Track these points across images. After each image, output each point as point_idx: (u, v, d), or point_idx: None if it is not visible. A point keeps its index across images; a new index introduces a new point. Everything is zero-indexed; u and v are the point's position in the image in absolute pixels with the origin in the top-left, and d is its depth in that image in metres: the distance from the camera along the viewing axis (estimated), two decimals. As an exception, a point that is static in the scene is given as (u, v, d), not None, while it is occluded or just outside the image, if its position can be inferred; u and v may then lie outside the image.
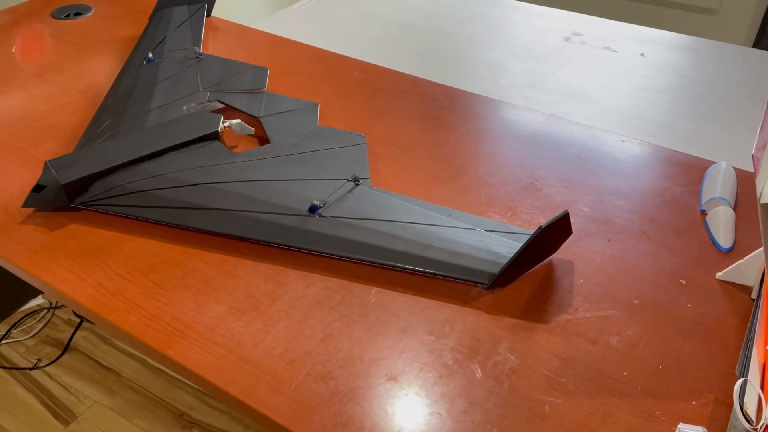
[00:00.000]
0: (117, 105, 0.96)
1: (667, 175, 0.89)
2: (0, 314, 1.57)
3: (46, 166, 0.81)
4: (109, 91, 1.02)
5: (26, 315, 1.58)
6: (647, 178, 0.88)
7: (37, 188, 0.80)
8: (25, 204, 0.80)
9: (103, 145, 0.85)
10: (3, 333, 1.53)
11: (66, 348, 1.50)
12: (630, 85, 1.14)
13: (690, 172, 0.89)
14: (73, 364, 1.47)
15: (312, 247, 0.74)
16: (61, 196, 0.79)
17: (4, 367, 1.46)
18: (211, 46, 1.21)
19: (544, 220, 0.81)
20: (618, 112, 1.07)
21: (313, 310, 0.70)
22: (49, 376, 1.44)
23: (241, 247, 0.77)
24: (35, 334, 1.54)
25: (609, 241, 0.78)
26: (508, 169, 0.90)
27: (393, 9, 1.44)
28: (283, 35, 1.27)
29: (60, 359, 1.48)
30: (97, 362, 1.47)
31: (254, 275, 0.74)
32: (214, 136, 0.89)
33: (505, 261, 0.70)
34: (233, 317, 0.69)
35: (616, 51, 1.25)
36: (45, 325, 1.56)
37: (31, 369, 1.46)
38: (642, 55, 1.23)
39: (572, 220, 0.81)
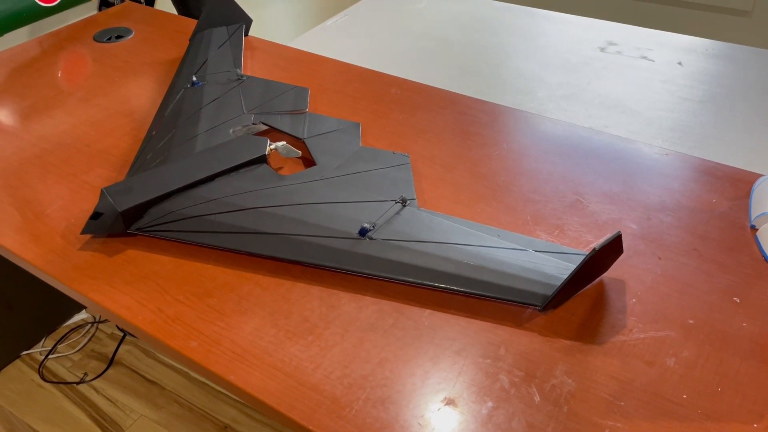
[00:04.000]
0: (165, 130, 0.99)
1: (714, 189, 0.89)
2: (45, 329, 1.61)
3: (103, 193, 0.83)
4: (156, 115, 1.05)
5: (71, 330, 1.62)
6: (693, 192, 0.88)
7: (95, 215, 0.82)
8: (84, 231, 0.83)
9: (155, 171, 0.87)
10: (50, 348, 1.57)
11: (111, 362, 1.53)
12: (669, 95, 1.14)
13: (736, 185, 0.89)
14: (118, 378, 1.50)
15: (364, 270, 0.75)
16: (119, 223, 0.82)
17: (52, 382, 1.50)
18: (249, 66, 1.23)
19: (592, 238, 0.81)
20: (659, 124, 1.07)
21: (368, 333, 0.71)
22: (96, 390, 1.48)
23: (293, 270, 0.79)
24: (80, 349, 1.58)
25: (659, 258, 0.78)
26: (552, 185, 0.91)
27: (426, 23, 1.45)
28: (318, 53, 1.28)
29: (105, 373, 1.51)
30: (141, 376, 1.50)
31: (308, 298, 0.75)
32: (262, 159, 0.91)
33: (557, 282, 0.71)
34: (290, 341, 0.70)
35: (653, 60, 1.24)
36: (89, 339, 1.60)
37: (78, 383, 1.49)
38: (680, 63, 1.23)
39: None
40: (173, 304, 0.75)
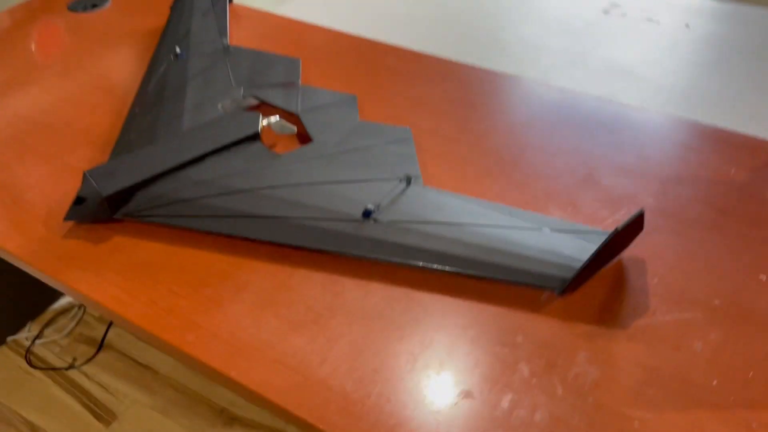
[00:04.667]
0: (149, 106, 0.93)
1: (732, 159, 0.85)
2: (31, 313, 1.56)
3: (85, 176, 0.78)
4: (139, 90, 0.98)
5: (58, 314, 1.56)
6: (711, 163, 0.84)
7: (78, 200, 0.77)
8: (67, 217, 0.77)
9: (141, 152, 0.82)
10: (36, 333, 1.52)
11: (101, 346, 1.49)
12: (678, 60, 1.09)
13: (756, 155, 0.85)
14: (109, 363, 1.46)
15: (369, 254, 0.71)
16: (104, 209, 0.76)
17: (40, 368, 1.45)
18: (235, 35, 1.16)
19: (607, 213, 0.77)
20: (669, 90, 1.03)
21: (376, 321, 0.67)
22: (86, 375, 1.43)
23: (293, 255, 0.74)
24: (68, 333, 1.53)
25: (679, 234, 0.74)
26: (563, 159, 0.86)
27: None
28: (308, 20, 1.22)
29: (95, 358, 1.47)
30: (133, 360, 1.46)
31: (310, 286, 0.71)
32: (255, 136, 0.85)
33: (576, 264, 0.67)
34: (294, 332, 0.66)
35: (658, 23, 1.19)
36: (77, 323, 1.55)
37: (67, 369, 1.45)
38: (687, 26, 1.18)
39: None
40: (166, 295, 0.71)
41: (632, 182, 0.82)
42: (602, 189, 0.81)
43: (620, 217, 0.76)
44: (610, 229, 0.74)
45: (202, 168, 0.81)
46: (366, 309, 0.68)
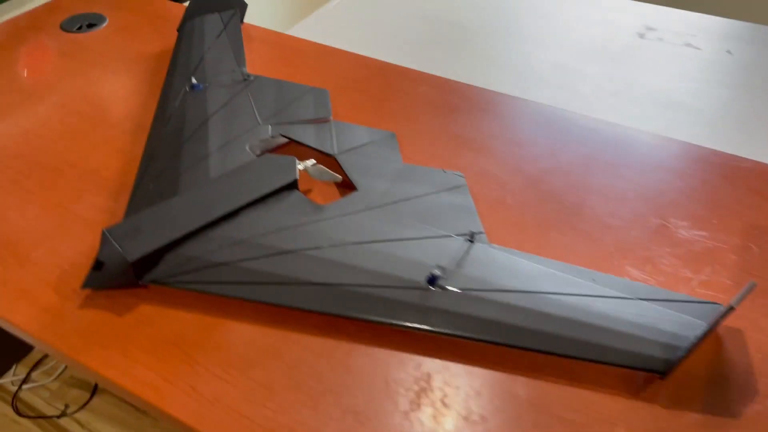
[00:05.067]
0: (167, 148, 0.83)
1: (811, 207, 0.78)
2: (16, 354, 1.44)
3: (105, 236, 0.68)
4: (152, 126, 0.88)
5: (46, 354, 1.44)
6: (789, 212, 0.78)
7: (98, 265, 0.67)
8: (85, 285, 0.67)
9: (166, 206, 0.72)
10: (23, 377, 1.40)
11: (94, 390, 1.38)
12: (726, 90, 1.03)
13: (836, 203, 0.79)
14: (104, 408, 1.35)
15: (439, 328, 0.62)
16: (128, 275, 0.67)
17: (29, 417, 1.33)
18: (249, 60, 1.06)
19: (690, 274, 0.70)
20: (723, 125, 0.96)
21: (457, 411, 0.58)
22: (80, 423, 1.32)
23: (347, 327, 0.65)
24: (58, 376, 1.41)
25: (775, 299, 0.67)
26: (630, 206, 0.79)
27: (438, 5, 1.30)
28: (322, 41, 1.13)
29: (89, 403, 1.36)
30: (131, 405, 1.35)
31: (372, 365, 0.62)
32: (293, 184, 0.76)
33: (679, 343, 0.59)
34: (363, 427, 0.57)
35: (699, 48, 1.13)
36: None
37: (59, 417, 1.33)
38: (729, 52, 1.12)
39: (724, 273, 0.70)
40: (208, 379, 0.61)
41: (711, 234, 0.75)
42: (679, 243, 0.74)
43: (707, 279, 0.69)
44: (698, 294, 0.67)
45: (237, 225, 0.71)
46: (444, 395, 0.60)
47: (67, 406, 1.35)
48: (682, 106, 0.99)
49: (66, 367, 1.42)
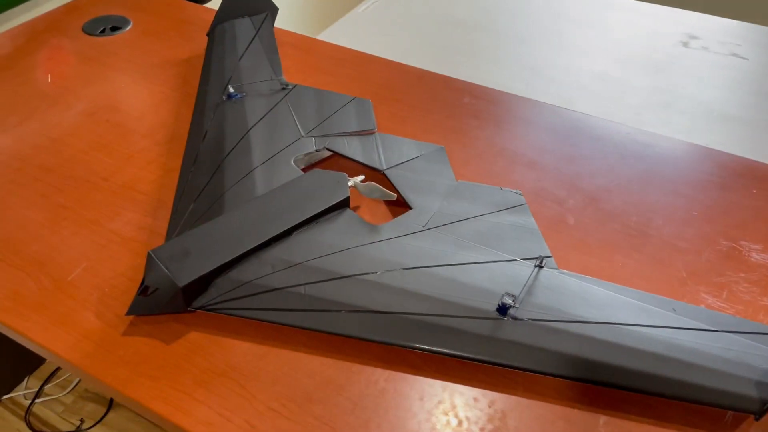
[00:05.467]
0: (207, 161, 0.78)
1: None
2: (27, 367, 1.39)
3: (152, 259, 0.63)
4: (189, 139, 0.84)
5: (58, 367, 1.40)
6: None
7: (144, 289, 0.62)
8: (130, 311, 0.63)
9: (214, 226, 0.68)
10: (35, 390, 1.35)
11: (111, 404, 1.33)
12: (779, 103, 1.00)
13: None
14: (120, 424, 1.30)
15: (513, 362, 0.59)
16: (178, 300, 0.62)
17: (42, 432, 1.29)
18: (283, 67, 1.02)
19: (769, 301, 0.66)
20: (781, 140, 0.93)
21: (533, 451, 0.54)
22: (96, 439, 1.28)
23: (411, 358, 0.62)
24: (72, 389, 1.36)
25: None
26: (697, 227, 0.75)
27: (472, 9, 1.26)
28: (353, 47, 1.08)
29: (105, 418, 1.31)
30: (148, 420, 1.31)
31: (441, 401, 0.58)
32: (345, 203, 0.72)
33: (772, 379, 0.55)
34: (438, 470, 0.53)
35: (745, 58, 1.09)
36: (82, 376, 1.38)
37: (74, 432, 1.29)
38: (777, 63, 1.08)
39: (804, 301, 0.67)
40: (267, 414, 0.57)
41: (786, 260, 0.71)
42: (754, 267, 0.70)
43: (787, 307, 0.66)
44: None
45: (289, 246, 0.67)
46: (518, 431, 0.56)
47: (82, 420, 1.30)
48: (734, 118, 0.95)
49: (80, 380, 1.37)
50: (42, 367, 1.40)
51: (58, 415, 1.32)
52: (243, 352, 0.62)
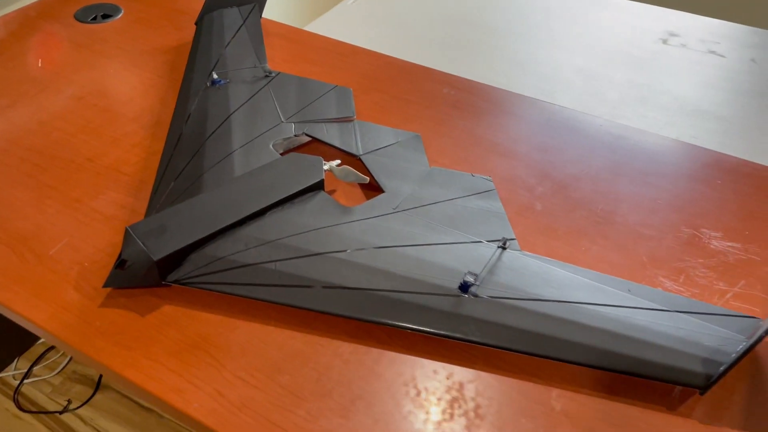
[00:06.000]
0: (189, 143, 0.81)
1: (844, 221, 0.77)
2: (17, 348, 1.41)
3: (129, 234, 0.66)
4: (173, 122, 0.86)
5: (48, 348, 1.42)
6: (822, 225, 0.77)
7: (121, 263, 0.65)
8: (107, 283, 0.66)
9: (191, 204, 0.70)
10: (24, 371, 1.38)
11: (98, 386, 1.35)
12: (752, 99, 1.02)
13: None
14: (107, 405, 1.33)
15: (471, 337, 0.61)
16: (153, 274, 0.65)
17: (31, 411, 1.31)
18: (268, 56, 1.04)
19: (724, 285, 0.69)
20: (751, 136, 0.95)
21: (491, 422, 0.57)
22: (83, 420, 1.30)
23: (377, 332, 0.64)
24: (60, 371, 1.39)
25: (812, 315, 0.66)
26: (662, 216, 0.78)
27: (461, 4, 1.29)
28: (341, 39, 1.11)
29: (92, 399, 1.33)
30: (134, 401, 1.33)
31: (402, 373, 0.61)
32: (319, 185, 0.75)
33: (719, 358, 0.58)
34: (395, 437, 0.56)
35: (723, 56, 1.12)
36: (70, 359, 1.41)
37: (61, 412, 1.31)
38: (753, 60, 1.11)
39: (758, 287, 0.69)
40: (235, 384, 0.60)
41: (744, 246, 0.73)
42: (713, 254, 0.73)
43: (741, 291, 0.68)
44: (733, 307, 0.66)
45: (263, 225, 0.69)
46: (478, 406, 0.58)
47: (69, 401, 1.33)
48: (709, 114, 0.97)
49: (69, 361, 1.40)
50: (32, 349, 1.42)
51: (46, 396, 1.34)
52: (215, 325, 0.64)
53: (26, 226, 0.74)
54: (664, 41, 1.15)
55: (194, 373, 0.60)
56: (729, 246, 0.74)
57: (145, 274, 0.65)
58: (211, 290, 0.65)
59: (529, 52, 1.12)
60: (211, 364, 0.61)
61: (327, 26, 1.20)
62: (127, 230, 0.66)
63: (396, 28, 1.20)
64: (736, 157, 0.86)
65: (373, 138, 0.85)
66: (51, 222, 0.75)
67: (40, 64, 1.02)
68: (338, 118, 0.87)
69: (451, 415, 0.57)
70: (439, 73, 1.02)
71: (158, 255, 0.64)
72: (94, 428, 1.29)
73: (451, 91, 0.98)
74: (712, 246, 0.74)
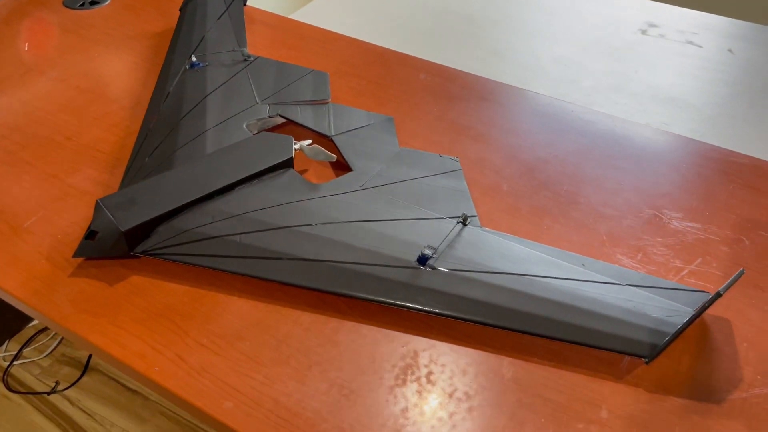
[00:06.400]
0: (164, 123, 0.83)
1: (804, 203, 0.79)
2: (8, 331, 1.44)
3: (99, 206, 0.68)
4: (150, 103, 0.88)
5: (38, 331, 1.45)
6: (782, 207, 0.78)
7: (90, 234, 0.67)
8: (77, 254, 0.68)
9: (161, 179, 0.72)
10: (14, 353, 1.40)
11: (85, 368, 1.38)
12: (726, 87, 1.03)
13: (829, 200, 0.79)
14: (94, 387, 1.35)
15: (427, 307, 0.63)
16: (121, 245, 0.67)
17: (19, 392, 1.34)
18: (251, 43, 1.06)
19: (681, 264, 0.70)
20: (721, 122, 0.96)
21: (441, 388, 0.59)
22: (70, 401, 1.32)
23: (337, 303, 0.66)
24: (49, 353, 1.41)
25: (763, 291, 0.68)
26: (624, 197, 0.79)
27: (443, -5, 1.30)
28: (326, 27, 1.13)
29: (79, 381, 1.36)
30: (121, 384, 1.36)
31: (359, 341, 0.63)
32: (289, 163, 0.76)
33: (664, 328, 0.60)
34: (347, 401, 0.58)
35: (700, 46, 1.13)
36: (59, 342, 1.43)
37: (49, 393, 1.33)
38: (730, 51, 1.12)
39: (714, 264, 0.71)
40: (196, 349, 0.62)
41: (703, 227, 0.75)
42: (671, 233, 0.74)
43: (697, 269, 0.70)
44: (688, 283, 0.67)
45: (231, 199, 0.71)
46: (429, 372, 0.60)
47: (57, 383, 1.35)
48: (681, 102, 0.99)
49: (58, 344, 1.42)
50: (22, 332, 1.45)
51: (35, 377, 1.37)
52: (180, 295, 0.66)
53: (3, 199, 0.76)
54: (643, 32, 1.16)
55: (157, 340, 0.62)
56: (688, 226, 0.75)
57: (114, 244, 0.67)
58: (177, 261, 0.67)
59: (507, 41, 1.14)
60: (174, 331, 0.63)
61: (312, 15, 1.22)
62: (97, 202, 0.69)
63: (379, 17, 1.22)
64: (702, 142, 0.87)
65: (346, 120, 0.87)
66: (27, 196, 0.77)
67: (26, 48, 1.05)
68: (313, 101, 0.89)
69: (404, 381, 0.59)
70: (417, 59, 1.04)
71: (126, 226, 0.66)
72: (81, 409, 1.31)
73: (427, 77, 1.00)
74: (671, 226, 0.75)
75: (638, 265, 0.70)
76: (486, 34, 1.16)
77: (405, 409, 0.57)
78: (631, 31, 1.17)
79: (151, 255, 0.67)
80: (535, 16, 1.23)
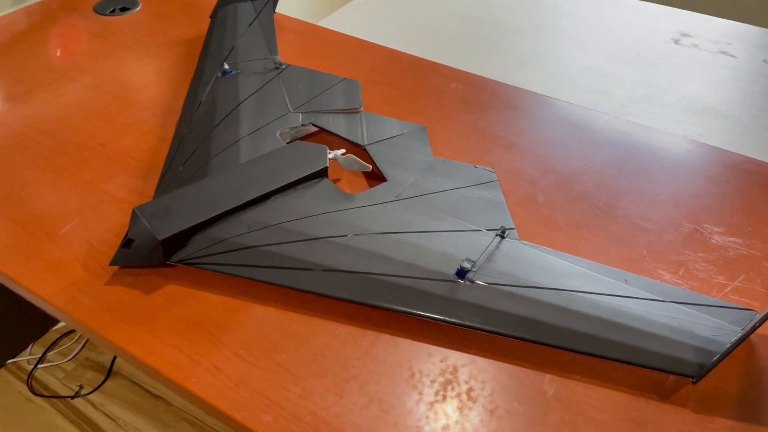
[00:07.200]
0: (198, 131, 0.83)
1: None
2: (32, 334, 1.44)
3: (136, 215, 0.68)
4: (183, 110, 0.88)
5: (62, 335, 1.45)
6: (826, 223, 0.76)
7: (127, 242, 0.67)
8: (113, 262, 0.67)
9: (196, 188, 0.72)
10: (38, 356, 1.41)
11: (109, 372, 1.38)
12: (762, 99, 1.02)
13: None
14: (118, 392, 1.35)
15: (467, 321, 0.62)
16: (157, 253, 0.66)
17: (43, 395, 1.34)
18: (281, 50, 1.06)
19: (725, 280, 0.69)
20: (760, 135, 0.95)
21: (482, 405, 0.58)
22: (93, 405, 1.33)
23: (374, 316, 0.65)
24: (73, 357, 1.42)
25: (810, 309, 0.66)
26: (663, 210, 0.78)
27: (471, 2, 1.30)
28: (354, 34, 1.12)
29: (103, 385, 1.36)
30: (145, 389, 1.35)
31: (398, 355, 0.62)
32: (323, 172, 0.76)
33: (712, 348, 0.58)
34: (387, 416, 0.57)
35: (734, 56, 1.11)
36: (83, 346, 1.44)
37: (72, 397, 1.34)
38: (765, 61, 1.10)
39: (758, 281, 0.69)
40: (233, 360, 0.61)
41: (746, 242, 0.73)
42: (713, 249, 0.73)
43: (740, 286, 0.68)
44: (732, 300, 0.66)
45: (266, 209, 0.71)
46: (470, 388, 0.59)
47: (81, 387, 1.35)
48: (716, 113, 0.97)
49: (82, 348, 1.43)
50: (46, 335, 1.45)
51: (59, 381, 1.37)
52: (217, 305, 0.66)
53: (39, 205, 0.77)
54: (676, 41, 1.15)
55: (194, 350, 0.62)
56: (730, 241, 0.74)
57: (150, 253, 0.66)
58: (213, 271, 0.67)
59: (538, 50, 1.13)
60: (210, 342, 0.63)
61: (339, 22, 1.22)
62: (134, 211, 0.68)
63: (407, 24, 1.22)
64: (740, 154, 0.86)
65: (379, 129, 0.86)
66: (63, 203, 0.77)
67: (58, 54, 1.05)
68: (345, 110, 0.89)
69: (444, 397, 0.58)
70: (448, 68, 1.03)
71: (163, 235, 0.66)
72: (105, 413, 1.31)
73: (458, 86, 0.99)
74: (713, 241, 0.74)
75: (681, 281, 0.69)
76: (515, 42, 1.15)
77: (446, 427, 0.56)
78: (663, 40, 1.15)
79: (187, 264, 0.67)
80: (564, 23, 1.22)
